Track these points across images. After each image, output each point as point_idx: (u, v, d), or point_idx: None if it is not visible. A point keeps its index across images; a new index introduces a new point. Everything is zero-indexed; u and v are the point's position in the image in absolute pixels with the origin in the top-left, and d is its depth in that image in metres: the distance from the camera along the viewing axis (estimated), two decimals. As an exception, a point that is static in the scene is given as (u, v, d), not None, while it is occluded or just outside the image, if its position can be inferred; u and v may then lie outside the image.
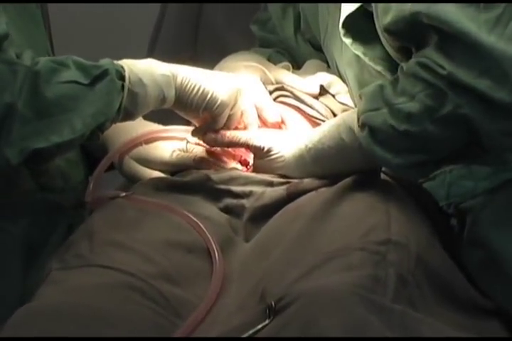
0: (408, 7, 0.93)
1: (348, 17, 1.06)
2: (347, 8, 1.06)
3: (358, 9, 1.04)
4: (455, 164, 1.08)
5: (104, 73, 1.03)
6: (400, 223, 0.96)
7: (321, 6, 1.24)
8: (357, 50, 1.08)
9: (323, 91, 1.28)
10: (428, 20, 0.91)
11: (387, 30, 0.98)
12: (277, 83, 1.28)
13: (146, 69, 1.06)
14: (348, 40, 1.08)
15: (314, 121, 1.23)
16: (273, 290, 0.86)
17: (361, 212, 0.98)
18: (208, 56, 1.79)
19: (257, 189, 1.08)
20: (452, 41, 0.91)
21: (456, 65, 0.90)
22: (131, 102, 1.05)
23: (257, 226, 1.05)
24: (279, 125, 1.21)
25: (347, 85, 1.25)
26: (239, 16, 1.76)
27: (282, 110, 1.23)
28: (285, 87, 1.26)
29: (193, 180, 1.11)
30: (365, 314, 0.78)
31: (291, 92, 1.26)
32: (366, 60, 1.08)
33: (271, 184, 1.09)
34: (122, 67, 1.05)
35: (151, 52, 1.84)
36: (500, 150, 0.96)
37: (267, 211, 1.05)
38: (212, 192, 1.09)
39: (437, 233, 1.02)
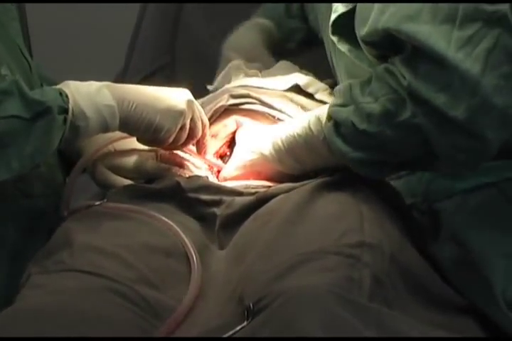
0: (381, 22, 0.95)
1: (338, 17, 1.07)
2: (339, 9, 1.07)
3: (347, 11, 1.06)
4: (412, 170, 1.10)
5: (47, 110, 1.00)
6: (373, 224, 0.98)
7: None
8: (343, 47, 1.10)
9: (300, 90, 1.30)
10: (399, 35, 0.94)
11: (364, 40, 1.01)
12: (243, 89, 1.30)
13: (91, 99, 1.04)
14: (335, 38, 1.10)
15: None
16: (250, 292, 0.87)
17: (334, 214, 0.99)
18: (186, 61, 1.80)
19: (226, 198, 1.09)
20: (420, 54, 0.92)
21: (419, 77, 0.92)
22: (72, 134, 1.04)
23: (229, 234, 1.06)
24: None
25: (338, 78, 1.27)
26: (218, 21, 1.77)
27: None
28: (251, 94, 1.27)
29: (165, 188, 1.12)
30: (342, 312, 0.79)
31: (258, 99, 1.27)
32: (352, 56, 1.10)
33: (241, 194, 1.10)
34: (66, 98, 1.03)
35: (129, 58, 1.84)
36: (452, 163, 0.98)
37: (238, 218, 1.06)
38: (184, 200, 1.10)
39: (408, 231, 1.04)
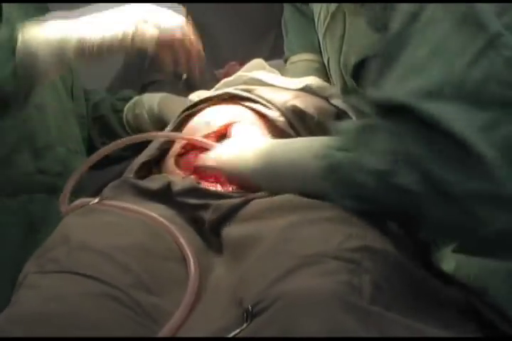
0: (395, 95, 0.89)
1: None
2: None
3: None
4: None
5: None
6: (376, 230, 0.96)
7: None
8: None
9: (312, 93, 1.28)
10: (418, 114, 0.88)
11: (377, 104, 0.94)
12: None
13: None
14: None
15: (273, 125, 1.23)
16: (249, 295, 0.86)
17: (337, 218, 0.97)
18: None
19: (212, 201, 1.06)
20: (435, 131, 0.87)
21: (431, 154, 0.88)
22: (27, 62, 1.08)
23: (220, 236, 1.03)
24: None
25: (328, 73, 1.24)
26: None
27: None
28: (253, 96, 1.26)
29: (158, 189, 1.10)
30: (344, 316, 0.78)
31: (258, 101, 1.25)
32: None
33: (229, 197, 1.07)
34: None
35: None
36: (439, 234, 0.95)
37: (226, 221, 1.03)
38: (174, 202, 1.08)
39: (410, 236, 1.02)
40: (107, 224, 1.02)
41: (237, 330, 0.82)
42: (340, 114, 1.28)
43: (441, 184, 0.87)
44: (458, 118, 0.86)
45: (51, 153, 1.28)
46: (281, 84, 1.31)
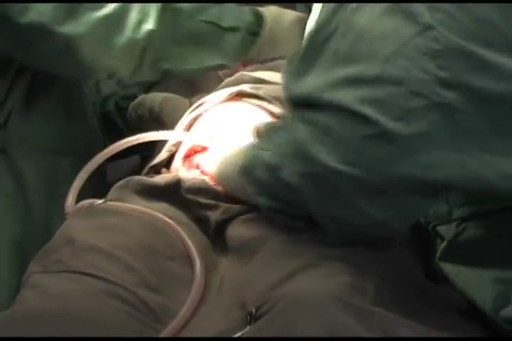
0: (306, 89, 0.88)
1: None
2: None
3: None
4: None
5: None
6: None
7: None
8: None
9: None
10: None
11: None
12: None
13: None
14: None
15: None
16: (253, 297, 0.87)
17: None
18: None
19: (222, 204, 1.07)
20: None
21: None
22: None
23: (224, 237, 1.04)
24: None
25: None
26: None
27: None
28: (261, 94, 1.26)
29: (166, 186, 1.10)
30: (344, 317, 0.78)
31: (266, 99, 1.26)
32: None
33: (239, 202, 1.07)
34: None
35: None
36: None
37: (233, 222, 1.04)
38: (182, 200, 1.09)
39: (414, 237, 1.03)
40: (112, 226, 1.02)
41: (240, 333, 0.82)
42: None
43: (322, 172, 0.86)
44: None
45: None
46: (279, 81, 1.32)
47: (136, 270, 0.94)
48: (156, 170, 1.25)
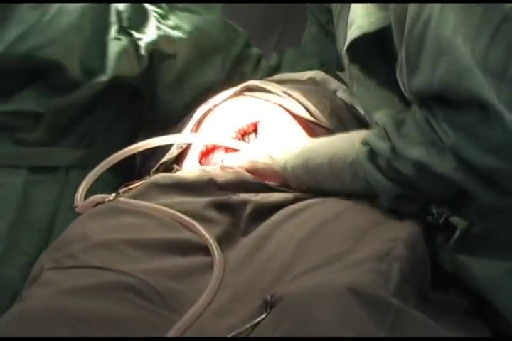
0: (437, 78, 0.89)
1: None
2: (353, 33, 1.04)
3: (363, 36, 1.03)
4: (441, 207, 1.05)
5: None
6: (407, 227, 0.97)
7: None
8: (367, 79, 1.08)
9: (313, 84, 1.29)
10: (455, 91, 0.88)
11: (415, 94, 0.95)
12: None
13: None
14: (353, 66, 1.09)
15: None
16: (272, 287, 0.86)
17: (372, 222, 0.98)
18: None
19: (252, 198, 1.05)
20: (467, 110, 0.88)
21: (466, 137, 0.88)
22: None
23: (257, 222, 1.02)
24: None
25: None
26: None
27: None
28: (269, 88, 1.26)
29: (197, 182, 1.09)
30: (360, 311, 0.78)
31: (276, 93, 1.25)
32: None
33: (277, 190, 1.07)
34: None
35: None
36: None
37: (271, 208, 1.03)
38: (215, 193, 1.07)
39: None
40: (124, 221, 1.01)
41: (257, 320, 0.81)
42: (349, 107, 1.29)
43: (477, 167, 0.88)
44: (489, 91, 0.86)
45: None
46: (289, 77, 1.32)
47: (148, 260, 0.93)
48: (166, 166, 1.24)
